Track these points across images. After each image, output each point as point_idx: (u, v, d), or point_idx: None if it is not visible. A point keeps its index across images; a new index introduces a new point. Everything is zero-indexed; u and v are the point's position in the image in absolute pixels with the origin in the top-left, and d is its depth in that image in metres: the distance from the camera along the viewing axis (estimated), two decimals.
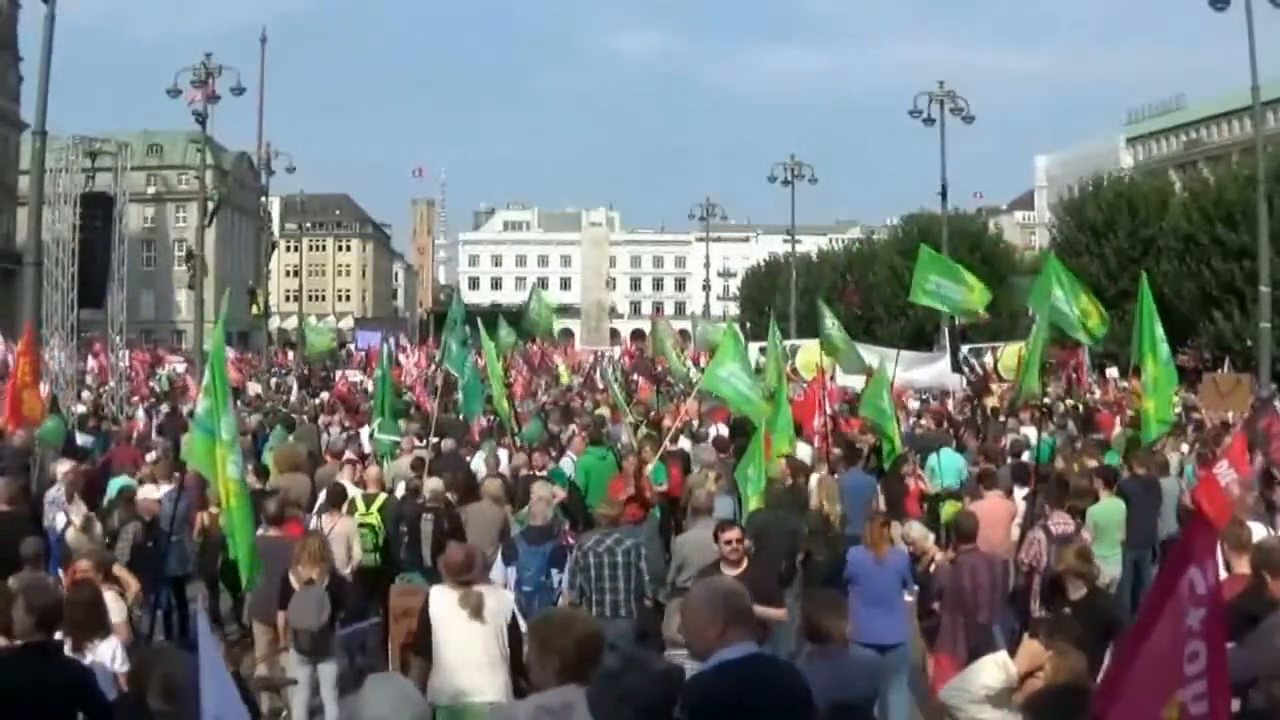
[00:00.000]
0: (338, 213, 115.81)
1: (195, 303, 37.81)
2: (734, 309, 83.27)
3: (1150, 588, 3.50)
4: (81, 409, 20.73)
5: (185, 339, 62.44)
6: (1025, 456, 13.14)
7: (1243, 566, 6.56)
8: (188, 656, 4.46)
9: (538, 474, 12.33)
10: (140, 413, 22.34)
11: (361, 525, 10.31)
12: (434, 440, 13.85)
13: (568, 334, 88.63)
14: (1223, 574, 6.56)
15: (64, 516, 10.06)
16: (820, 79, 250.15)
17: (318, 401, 25.54)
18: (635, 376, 33.42)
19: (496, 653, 6.48)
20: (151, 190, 78.83)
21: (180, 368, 36.65)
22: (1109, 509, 10.61)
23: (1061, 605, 6.83)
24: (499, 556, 8.76)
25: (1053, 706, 3.85)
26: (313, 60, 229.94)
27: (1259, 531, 7.66)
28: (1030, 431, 15.44)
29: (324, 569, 7.95)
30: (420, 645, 6.69)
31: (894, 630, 7.98)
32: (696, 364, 31.52)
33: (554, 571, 8.45)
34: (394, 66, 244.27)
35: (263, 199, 47.85)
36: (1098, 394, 25.63)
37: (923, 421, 19.47)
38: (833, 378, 18.51)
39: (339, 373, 35.34)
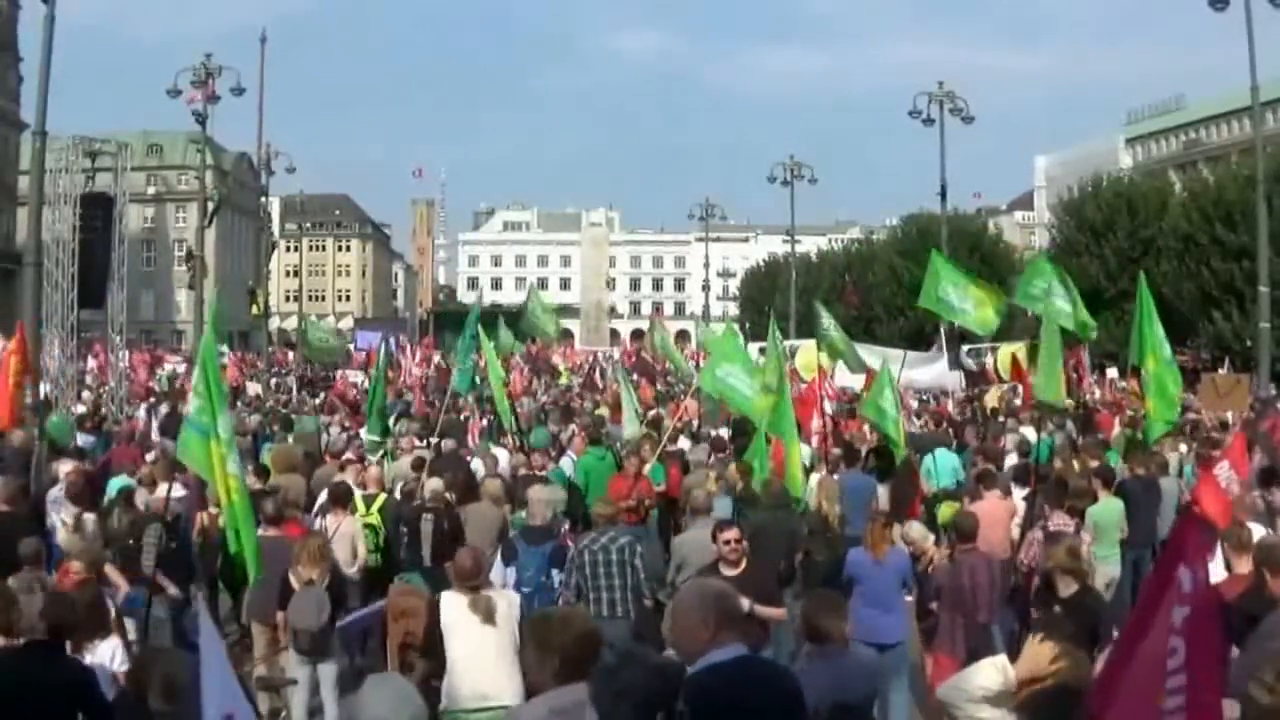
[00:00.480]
0: (338, 213, 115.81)
1: (195, 303, 37.82)
2: (734, 309, 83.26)
3: (1143, 586, 3.52)
4: (81, 409, 20.73)
5: (185, 339, 62.47)
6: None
7: (1243, 567, 6.57)
8: (188, 656, 4.47)
9: (537, 474, 12.34)
10: (140, 413, 22.34)
11: (363, 525, 10.31)
12: (434, 440, 13.85)
13: (567, 334, 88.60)
14: (1224, 574, 6.60)
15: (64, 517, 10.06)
16: (820, 79, 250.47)
17: (317, 401, 25.54)
18: (635, 377, 33.40)
19: (510, 656, 6.48)
20: (151, 190, 78.82)
21: (180, 368, 36.64)
22: (1108, 509, 10.62)
23: (1052, 603, 6.83)
24: (498, 557, 8.77)
25: (1048, 706, 3.84)
26: (313, 60, 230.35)
27: (1259, 532, 7.67)
28: (1029, 431, 15.44)
29: (324, 569, 7.95)
30: (429, 650, 6.69)
31: (894, 630, 8.00)
32: (696, 364, 31.52)
33: (554, 572, 8.43)
34: (394, 66, 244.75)
35: (263, 199, 47.81)
36: (1097, 394, 25.62)
37: (920, 421, 19.47)
38: (831, 377, 18.52)
39: (339, 372, 35.33)
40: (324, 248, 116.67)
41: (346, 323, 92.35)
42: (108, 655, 6.20)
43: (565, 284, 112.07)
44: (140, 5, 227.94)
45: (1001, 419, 19.14)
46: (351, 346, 45.09)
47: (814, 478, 12.01)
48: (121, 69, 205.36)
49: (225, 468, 7.30)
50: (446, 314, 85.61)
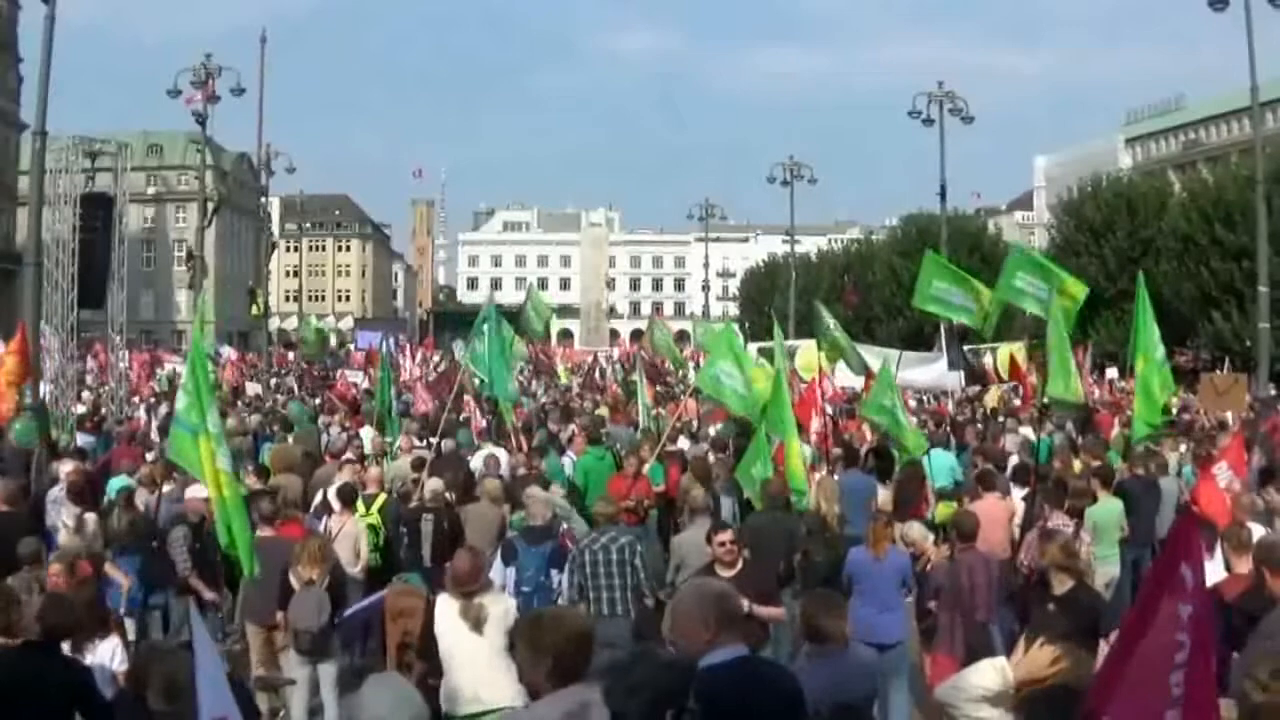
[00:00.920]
0: (337, 213, 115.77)
1: (195, 303, 37.80)
2: (733, 309, 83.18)
3: (1143, 584, 3.52)
4: (81, 409, 20.73)
5: (185, 339, 62.47)
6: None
7: (1243, 567, 6.57)
8: (188, 656, 4.47)
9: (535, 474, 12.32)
10: (140, 412, 22.34)
11: (364, 525, 10.31)
12: (434, 440, 13.83)
13: (567, 334, 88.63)
14: (1224, 574, 6.61)
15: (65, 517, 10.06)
16: (820, 79, 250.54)
17: (317, 401, 25.53)
18: (635, 377, 33.36)
19: (505, 660, 6.48)
20: (151, 190, 78.80)
21: (180, 367, 36.59)
22: (1107, 509, 10.62)
23: (1047, 600, 6.83)
24: (498, 557, 8.77)
25: (1047, 706, 3.84)
26: (313, 60, 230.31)
27: (1258, 532, 7.67)
28: (1029, 431, 15.44)
29: (324, 569, 7.94)
30: (424, 652, 6.70)
31: (893, 629, 8.01)
32: (695, 364, 31.51)
33: (553, 572, 8.45)
34: (394, 66, 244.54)
35: (262, 199, 47.87)
36: (1097, 394, 25.62)
37: (919, 421, 19.44)
38: (831, 376, 18.50)
39: (339, 372, 35.34)
40: (324, 248, 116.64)
41: (346, 323, 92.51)
42: (107, 655, 6.20)
43: (565, 284, 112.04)
44: (140, 5, 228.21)
45: (1001, 419, 19.14)
46: (352, 346, 45.10)
47: (814, 478, 12.00)
48: (121, 69, 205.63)
49: (215, 463, 7.32)
50: (446, 314, 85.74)
